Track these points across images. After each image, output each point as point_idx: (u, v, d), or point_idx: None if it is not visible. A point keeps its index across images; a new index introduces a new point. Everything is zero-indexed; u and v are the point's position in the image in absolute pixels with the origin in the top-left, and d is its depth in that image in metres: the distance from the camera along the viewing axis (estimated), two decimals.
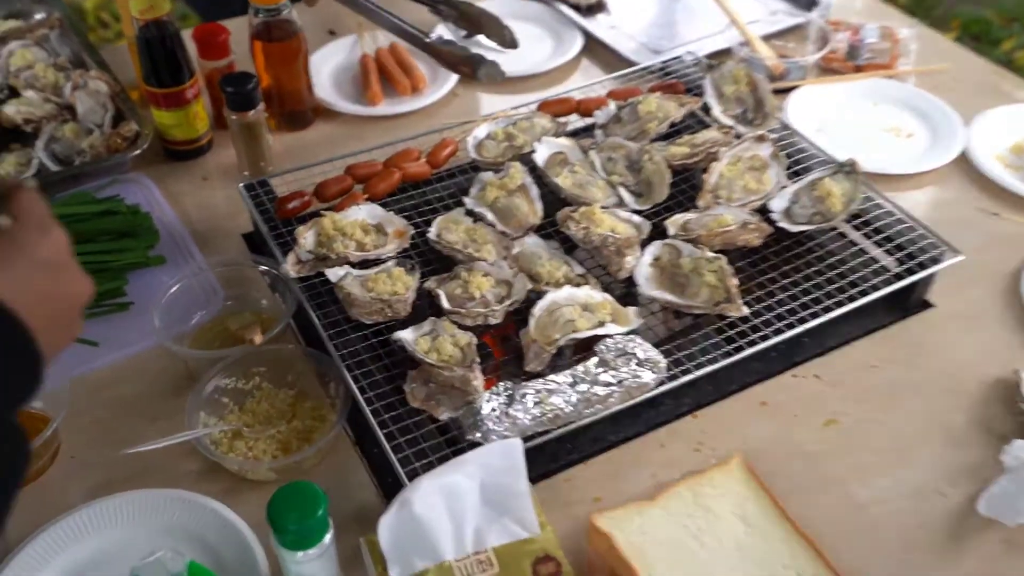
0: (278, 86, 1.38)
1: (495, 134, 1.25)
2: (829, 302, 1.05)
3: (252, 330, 1.05)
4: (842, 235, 1.16)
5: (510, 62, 1.57)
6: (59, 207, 1.19)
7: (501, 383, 0.92)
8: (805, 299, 1.06)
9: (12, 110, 1.35)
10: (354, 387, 0.95)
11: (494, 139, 1.25)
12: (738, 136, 1.25)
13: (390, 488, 0.92)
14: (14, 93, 1.42)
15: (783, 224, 1.14)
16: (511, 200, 1.15)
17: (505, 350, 1.05)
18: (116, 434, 0.99)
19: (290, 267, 1.05)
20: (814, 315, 1.04)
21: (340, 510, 0.89)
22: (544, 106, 1.30)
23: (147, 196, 1.28)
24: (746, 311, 1.01)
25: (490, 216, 1.14)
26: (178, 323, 1.09)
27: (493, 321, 1.01)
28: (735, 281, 1.03)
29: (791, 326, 1.03)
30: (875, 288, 1.08)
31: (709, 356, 1.00)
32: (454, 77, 1.51)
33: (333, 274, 1.04)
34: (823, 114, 1.46)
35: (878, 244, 1.14)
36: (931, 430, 1.00)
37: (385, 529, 0.81)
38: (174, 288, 1.10)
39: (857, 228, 1.17)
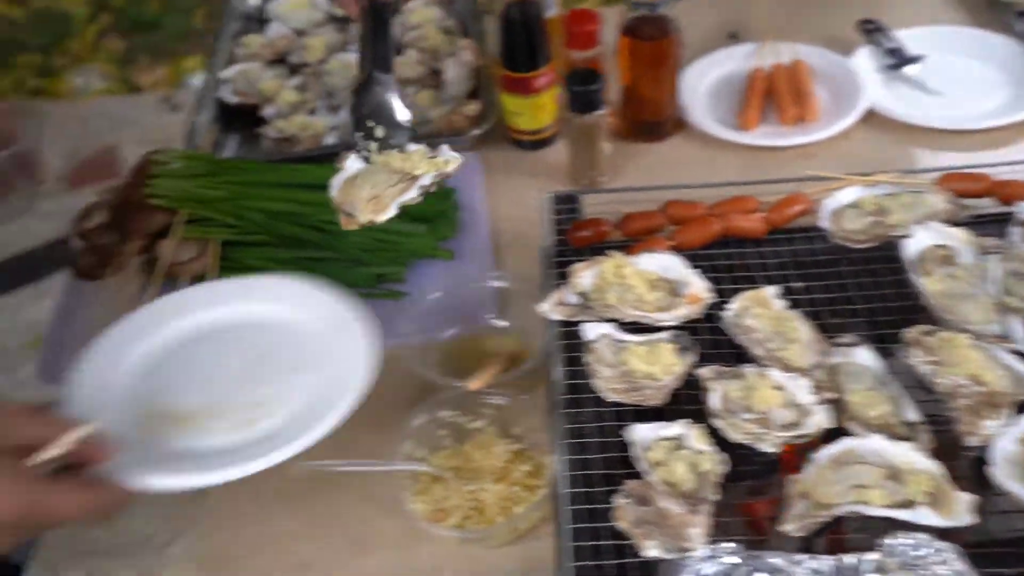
0: (637, 89, 1.21)
1: (862, 202, 0.97)
2: None
3: (490, 364, 0.92)
4: None
5: (941, 104, 1.25)
6: None
7: (726, 544, 0.69)
8: None
9: None
10: (559, 474, 0.78)
11: (859, 208, 0.97)
12: None
13: None
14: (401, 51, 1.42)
15: None
16: None
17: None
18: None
19: (548, 306, 0.90)
20: None
21: None
22: (947, 179, 0.98)
23: (469, 182, 1.20)
24: None
25: None
26: (433, 328, 1.00)
27: (762, 447, 0.77)
28: None
29: None
30: None
31: None
32: (854, 113, 1.23)
33: (590, 330, 0.87)
34: None
35: None
36: None
37: None
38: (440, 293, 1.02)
39: None
